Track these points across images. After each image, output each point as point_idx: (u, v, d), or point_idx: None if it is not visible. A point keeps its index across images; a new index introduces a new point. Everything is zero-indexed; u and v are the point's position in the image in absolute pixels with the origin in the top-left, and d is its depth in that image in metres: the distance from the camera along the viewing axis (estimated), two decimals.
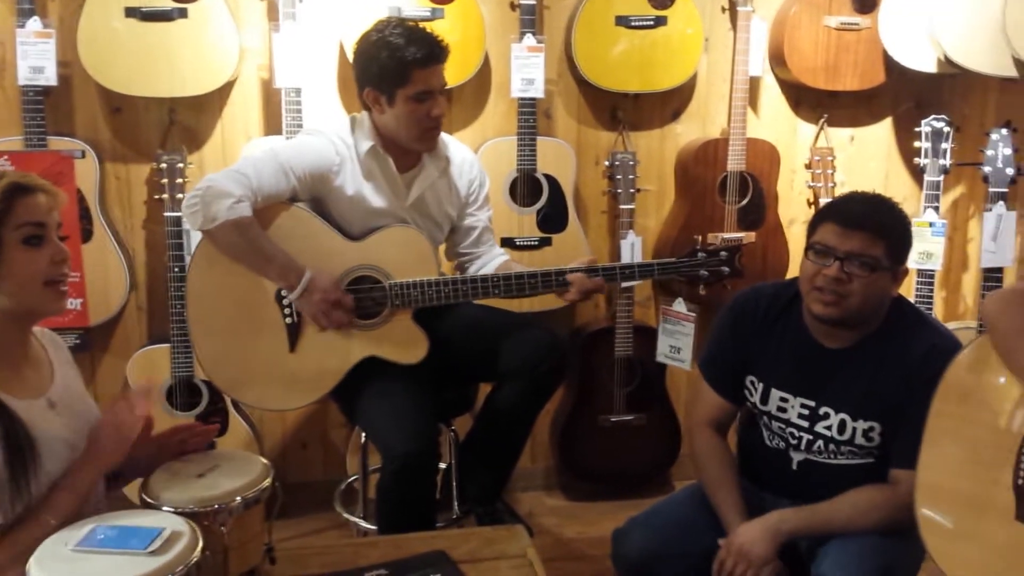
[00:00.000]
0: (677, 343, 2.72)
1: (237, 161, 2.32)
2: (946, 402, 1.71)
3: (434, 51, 2.18)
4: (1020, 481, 1.58)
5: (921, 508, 1.69)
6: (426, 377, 2.29)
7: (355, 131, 2.28)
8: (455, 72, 2.67)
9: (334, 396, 2.34)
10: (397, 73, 2.17)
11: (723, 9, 2.99)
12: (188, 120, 2.82)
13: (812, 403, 1.92)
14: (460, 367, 2.45)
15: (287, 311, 2.23)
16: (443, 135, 2.38)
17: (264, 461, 1.73)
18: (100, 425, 1.61)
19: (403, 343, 2.26)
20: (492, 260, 2.50)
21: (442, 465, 2.63)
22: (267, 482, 1.67)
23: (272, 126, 2.82)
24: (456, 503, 2.60)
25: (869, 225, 1.81)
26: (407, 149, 2.28)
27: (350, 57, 2.53)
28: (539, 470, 3.25)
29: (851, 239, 1.81)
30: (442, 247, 2.53)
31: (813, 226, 1.90)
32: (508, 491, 3.06)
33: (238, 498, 1.61)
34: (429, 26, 2.26)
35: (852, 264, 1.81)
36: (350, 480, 2.90)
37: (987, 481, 1.61)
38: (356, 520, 2.63)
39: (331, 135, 2.26)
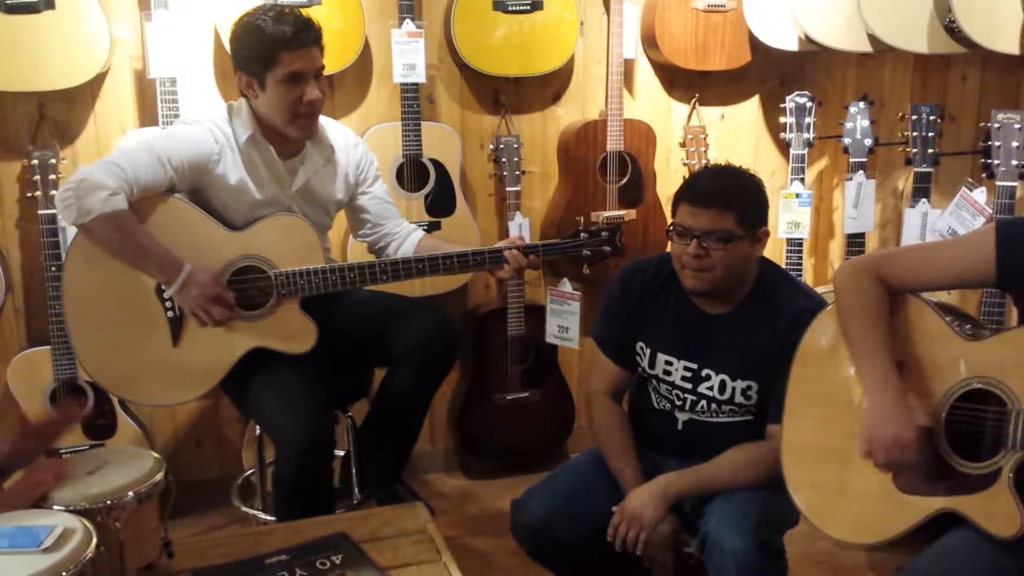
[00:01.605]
0: (565, 323, 2.79)
1: (111, 153, 2.26)
2: (803, 366, 1.83)
3: (301, 31, 2.15)
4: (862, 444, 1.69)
5: (787, 467, 1.81)
6: (318, 364, 2.30)
7: (233, 119, 2.25)
8: (335, 58, 2.66)
9: (224, 389, 2.32)
10: (264, 55, 2.14)
11: None
12: (59, 114, 2.73)
13: (695, 366, 2.03)
14: (353, 353, 2.47)
15: (168, 304, 2.19)
16: (324, 119, 2.36)
17: (156, 455, 1.72)
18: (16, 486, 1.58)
19: (291, 333, 2.25)
20: (408, 239, 2.50)
21: (340, 452, 2.65)
22: (159, 476, 1.66)
23: (148, 117, 2.75)
24: (356, 489, 2.62)
25: (716, 201, 1.92)
26: (287, 136, 2.26)
27: (225, 44, 2.50)
28: (438, 451, 3.28)
29: (702, 216, 1.92)
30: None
31: (673, 207, 2.01)
32: (408, 474, 3.10)
33: (130, 493, 1.60)
34: (306, 12, 2.25)
35: (708, 240, 1.92)
36: (247, 474, 2.87)
37: (846, 433, 1.73)
38: (255, 513, 2.62)
39: (208, 123, 2.23)
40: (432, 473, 3.26)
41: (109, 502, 1.56)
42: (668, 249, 2.06)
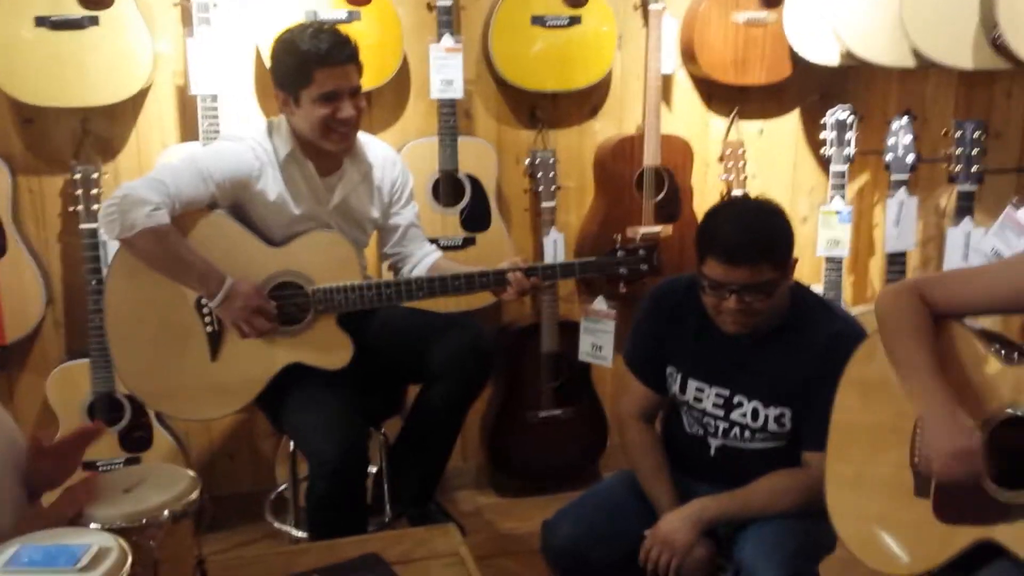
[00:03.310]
0: (599, 341, 2.76)
1: (153, 169, 2.28)
2: (846, 397, 1.80)
3: (336, 49, 2.15)
4: (916, 459, 1.66)
5: (831, 498, 1.77)
6: (353, 381, 2.30)
7: (273, 136, 2.27)
8: (374, 74, 2.67)
9: (259, 404, 2.33)
10: (299, 73, 2.16)
11: (635, 7, 3.04)
12: (102, 130, 2.76)
13: (726, 392, 1.99)
14: (387, 369, 2.47)
15: (208, 319, 2.21)
16: (364, 136, 2.38)
17: (191, 474, 1.71)
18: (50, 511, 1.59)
19: (327, 348, 2.26)
20: (424, 259, 2.50)
21: (373, 469, 2.65)
22: (195, 494, 1.65)
23: (188, 133, 2.78)
24: (388, 506, 2.62)
25: (751, 256, 1.82)
26: (327, 152, 2.27)
27: (266, 62, 2.52)
28: (470, 469, 3.27)
29: (737, 273, 1.83)
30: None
31: (699, 252, 1.90)
32: (441, 491, 3.09)
33: (166, 512, 1.59)
34: (346, 29, 2.26)
35: (748, 293, 1.84)
36: (280, 489, 2.88)
37: (889, 463, 1.70)
38: (288, 529, 2.62)
39: (250, 140, 2.25)
40: (463, 490, 3.24)
41: (144, 521, 1.56)
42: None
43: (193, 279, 2.16)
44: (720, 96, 3.18)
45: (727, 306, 1.86)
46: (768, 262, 1.84)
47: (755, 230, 1.86)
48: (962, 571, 1.59)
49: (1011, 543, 1.50)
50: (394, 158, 2.48)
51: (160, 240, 2.10)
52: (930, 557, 1.61)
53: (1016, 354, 1.63)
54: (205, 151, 2.32)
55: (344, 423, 2.20)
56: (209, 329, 2.21)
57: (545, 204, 2.96)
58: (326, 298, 2.24)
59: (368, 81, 2.29)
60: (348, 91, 2.19)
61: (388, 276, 2.61)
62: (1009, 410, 1.57)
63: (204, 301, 2.19)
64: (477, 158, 2.93)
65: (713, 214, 1.96)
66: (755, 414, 1.97)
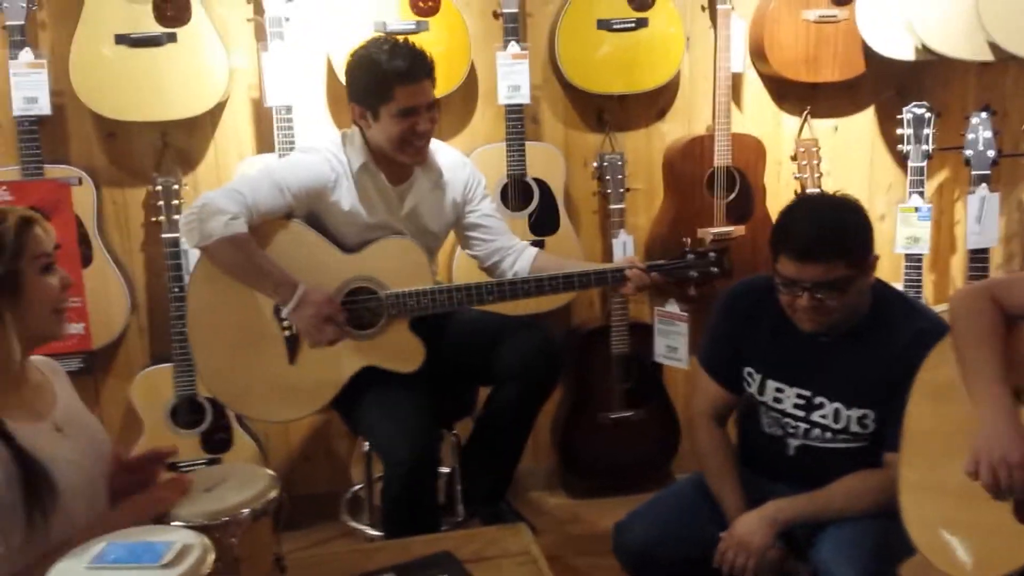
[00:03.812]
0: (673, 343, 2.74)
1: (232, 180, 2.36)
2: (920, 400, 1.76)
3: (416, 66, 2.20)
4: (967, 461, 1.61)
5: (904, 504, 1.73)
6: (425, 383, 2.33)
7: (347, 147, 2.32)
8: (442, 82, 2.68)
9: (335, 406, 2.37)
10: (380, 89, 2.20)
11: (703, 8, 3.02)
12: (181, 142, 2.86)
13: (808, 393, 1.96)
14: (458, 372, 2.49)
15: (285, 324, 2.27)
16: (433, 142, 2.40)
17: (270, 473, 1.76)
18: (132, 507, 1.65)
19: (400, 352, 2.29)
20: (523, 255, 2.51)
21: (445, 469, 2.68)
22: (274, 493, 1.70)
23: (264, 145, 2.86)
24: (461, 506, 2.64)
25: (823, 252, 1.80)
26: (399, 162, 2.31)
27: (338, 73, 2.57)
28: (541, 470, 3.28)
29: (810, 269, 1.81)
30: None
31: (773, 250, 1.89)
32: (512, 492, 3.10)
33: (246, 510, 1.64)
34: (415, 39, 2.30)
35: (821, 290, 1.82)
36: (355, 489, 2.93)
37: (961, 470, 1.64)
38: (363, 528, 2.67)
39: (325, 152, 2.30)
40: (534, 491, 3.25)
41: (226, 519, 1.60)
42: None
43: (268, 286, 2.22)
44: (792, 94, 3.14)
45: (800, 304, 1.85)
46: (841, 259, 1.81)
47: (828, 226, 1.84)
48: None
49: None
50: (463, 161, 2.51)
51: (237, 248, 2.16)
52: (1009, 560, 1.56)
53: None
54: (281, 163, 2.39)
55: (417, 425, 2.23)
56: (287, 334, 2.27)
57: (614, 206, 2.95)
58: (399, 303, 2.27)
59: (437, 88, 2.33)
60: (425, 106, 2.24)
61: (460, 280, 2.63)
62: None
63: (281, 309, 2.24)
64: (545, 162, 2.95)
65: (787, 211, 1.94)
66: (837, 415, 1.94)
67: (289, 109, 2.72)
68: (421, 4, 2.77)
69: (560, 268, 2.40)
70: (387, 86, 2.19)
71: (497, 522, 2.49)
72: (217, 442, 2.86)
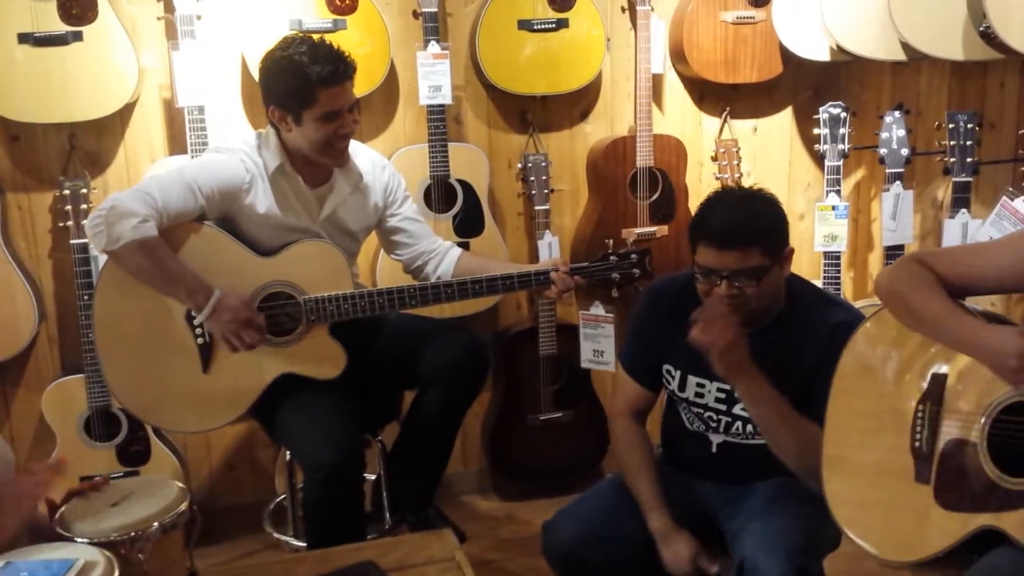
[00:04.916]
0: (599, 346, 2.75)
1: (141, 181, 2.28)
2: (845, 380, 1.78)
3: (340, 69, 2.16)
4: (916, 444, 1.65)
5: (828, 483, 1.75)
6: (348, 388, 2.29)
7: (262, 148, 2.26)
8: (362, 82, 2.65)
9: (254, 415, 2.32)
10: (303, 93, 2.15)
11: (623, 9, 3.04)
12: (89, 144, 2.76)
13: (728, 387, 1.97)
14: (383, 376, 2.46)
15: (198, 331, 2.20)
16: (352, 143, 2.35)
17: (180, 485, 1.71)
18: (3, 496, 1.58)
19: (320, 358, 2.25)
20: (447, 257, 2.49)
21: (371, 476, 2.64)
22: (183, 506, 1.65)
23: (177, 146, 2.78)
24: (388, 513, 2.61)
25: (739, 239, 1.84)
26: (317, 164, 2.27)
27: (253, 72, 2.51)
28: (472, 473, 3.26)
29: (727, 257, 1.84)
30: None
31: (692, 240, 1.92)
32: (442, 496, 3.07)
33: (154, 524, 1.59)
34: (333, 38, 2.25)
35: (738, 278, 1.85)
36: (279, 499, 2.87)
37: (888, 448, 1.68)
38: (287, 539, 2.61)
39: (239, 152, 2.24)
40: (466, 495, 3.23)
41: (133, 534, 1.56)
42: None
43: (180, 292, 2.15)
44: (712, 95, 3.18)
45: (719, 292, 1.86)
46: (758, 247, 1.84)
47: (744, 215, 1.88)
48: (964, 557, 1.58)
49: (1014, 530, 1.49)
50: (383, 163, 2.47)
51: (148, 252, 2.09)
52: (932, 543, 1.59)
53: None
54: (194, 163, 2.32)
55: (337, 428, 2.19)
56: (200, 341, 2.20)
57: (539, 207, 2.95)
58: (318, 308, 2.23)
59: (357, 89, 2.29)
60: (348, 108, 2.20)
61: (383, 285, 2.59)
62: (1010, 396, 1.56)
63: (194, 314, 2.18)
64: (468, 163, 2.93)
65: (706, 203, 1.97)
66: None
67: (201, 109, 2.65)
68: (338, 2, 2.72)
69: (485, 270, 2.38)
70: (310, 90, 2.14)
71: (425, 528, 2.46)
72: (133, 455, 2.77)
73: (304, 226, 2.29)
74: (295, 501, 2.54)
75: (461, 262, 2.48)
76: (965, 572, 1.53)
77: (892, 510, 1.66)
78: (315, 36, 2.23)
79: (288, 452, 2.48)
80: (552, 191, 2.97)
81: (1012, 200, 2.64)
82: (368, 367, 2.36)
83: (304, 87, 2.14)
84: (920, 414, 1.65)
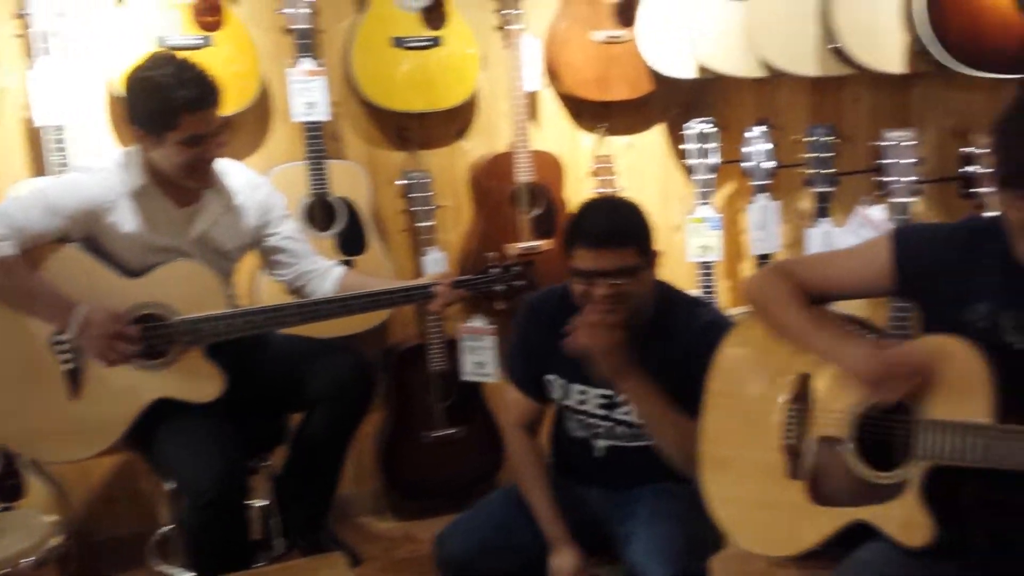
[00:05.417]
0: (481, 358, 2.77)
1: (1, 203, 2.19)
2: (719, 381, 1.84)
3: (205, 94, 2.12)
4: (788, 442, 1.71)
5: (706, 482, 1.81)
6: (229, 411, 2.24)
7: (128, 167, 2.20)
8: (232, 99, 2.62)
9: (130, 443, 2.25)
10: (165, 117, 2.10)
11: (496, 28, 3.08)
12: None
13: (609, 392, 2.02)
14: (267, 398, 2.42)
15: (64, 356, 2.12)
16: (225, 163, 2.33)
17: (53, 519, 1.65)
18: None
19: (196, 381, 2.20)
20: (329, 276, 2.46)
21: (261, 503, 2.58)
22: (56, 541, 1.59)
23: (38, 167, 2.66)
24: (279, 539, 2.55)
25: (615, 238, 1.90)
26: (183, 184, 2.22)
27: (117, 90, 2.44)
28: (367, 494, 3.22)
29: (604, 257, 1.90)
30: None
31: (567, 248, 1.97)
32: (337, 518, 3.02)
33: (27, 559, 1.53)
34: (199, 55, 2.22)
35: (616, 278, 1.91)
36: (163, 530, 2.77)
37: (762, 447, 1.74)
38: (173, 571, 2.53)
39: (103, 172, 2.19)
40: (361, 516, 3.19)
41: (3, 571, 1.49)
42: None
43: (43, 311, 2.08)
44: (587, 112, 3.25)
45: (597, 293, 1.91)
46: (632, 246, 1.92)
47: (617, 218, 1.96)
48: (839, 550, 1.63)
49: (884, 523, 1.55)
50: (257, 181, 2.44)
51: (6, 273, 2.03)
52: (806, 539, 1.65)
53: (878, 338, 1.72)
54: (54, 183, 2.24)
55: (217, 453, 2.15)
56: (66, 366, 2.12)
57: (422, 224, 2.96)
58: (191, 329, 2.18)
59: (227, 106, 2.26)
60: (213, 132, 2.17)
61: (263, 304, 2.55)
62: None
63: (61, 336, 2.10)
64: (348, 181, 2.91)
65: (579, 210, 2.04)
66: None
67: (60, 129, 2.55)
68: (204, 19, 2.66)
69: (368, 287, 2.37)
70: (173, 114, 2.09)
71: (317, 552, 2.42)
72: (7, 489, 2.60)
73: (174, 246, 2.24)
74: (179, 531, 2.46)
75: (345, 280, 2.46)
76: (837, 566, 1.58)
77: (768, 507, 1.72)
78: (182, 55, 2.19)
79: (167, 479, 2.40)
80: (435, 208, 2.99)
81: (867, 208, 2.79)
82: (251, 389, 2.32)
83: (167, 111, 2.09)
84: (791, 413, 1.72)
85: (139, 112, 2.14)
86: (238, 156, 2.81)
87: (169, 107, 2.09)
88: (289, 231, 2.47)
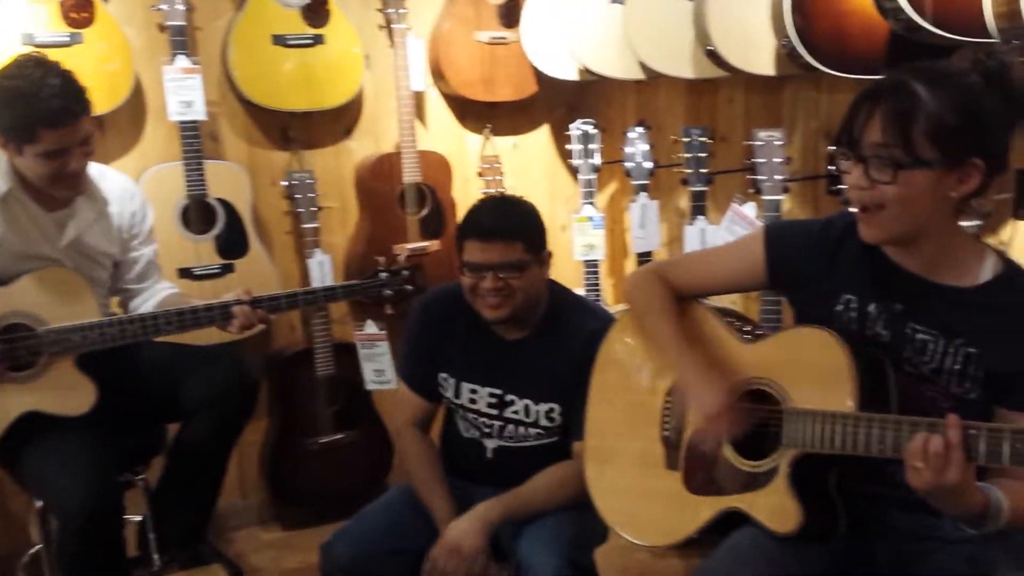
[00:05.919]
0: (379, 366, 2.75)
1: None
2: (602, 373, 1.89)
3: (66, 108, 2.00)
4: (665, 433, 1.77)
5: (590, 474, 1.85)
6: (102, 424, 2.15)
7: None
8: (104, 98, 2.53)
9: None
10: (23, 131, 1.99)
11: (380, 27, 3.06)
12: None
13: (499, 391, 2.05)
14: (142, 409, 2.34)
15: None
16: (100, 167, 2.25)
17: None
18: None
19: (66, 393, 2.11)
20: (155, 295, 2.38)
21: (136, 517, 2.49)
22: None
23: None
24: (156, 554, 2.47)
25: (504, 233, 1.97)
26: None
27: None
28: (252, 504, 3.14)
29: (492, 250, 1.96)
30: None
31: (459, 243, 2.03)
32: (219, 531, 2.94)
33: None
34: (68, 53, 2.12)
35: (503, 271, 1.95)
36: (33, 551, 2.63)
37: (641, 437, 1.79)
38: None
39: None
40: (245, 528, 3.11)
41: None
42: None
43: None
44: (473, 112, 3.27)
45: (485, 285, 1.95)
46: (520, 241, 1.97)
47: (507, 213, 2.03)
48: (717, 538, 1.67)
49: (754, 511, 1.60)
50: (132, 191, 2.35)
51: None
52: (684, 527, 1.69)
53: (751, 332, 1.78)
54: None
55: (90, 468, 2.06)
56: None
57: (307, 226, 2.91)
58: (60, 339, 2.08)
59: (99, 105, 2.17)
60: (77, 144, 2.05)
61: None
62: (745, 384, 1.68)
63: None
64: (228, 182, 2.83)
65: (473, 207, 2.09)
66: (527, 410, 2.04)
67: None
68: (74, 15, 2.55)
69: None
70: (32, 128, 1.98)
71: (197, 566, 2.35)
72: None
73: (44, 254, 2.14)
74: (50, 551, 2.34)
75: (165, 300, 2.37)
76: (708, 556, 1.62)
77: (648, 498, 1.76)
78: (52, 58, 2.07)
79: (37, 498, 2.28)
80: (320, 209, 2.94)
81: (741, 205, 2.89)
82: (125, 400, 2.23)
83: (25, 125, 1.98)
84: (668, 406, 1.77)
85: (0, 120, 2.03)
86: (111, 156, 2.72)
87: (27, 122, 1.98)
88: (150, 253, 2.40)
